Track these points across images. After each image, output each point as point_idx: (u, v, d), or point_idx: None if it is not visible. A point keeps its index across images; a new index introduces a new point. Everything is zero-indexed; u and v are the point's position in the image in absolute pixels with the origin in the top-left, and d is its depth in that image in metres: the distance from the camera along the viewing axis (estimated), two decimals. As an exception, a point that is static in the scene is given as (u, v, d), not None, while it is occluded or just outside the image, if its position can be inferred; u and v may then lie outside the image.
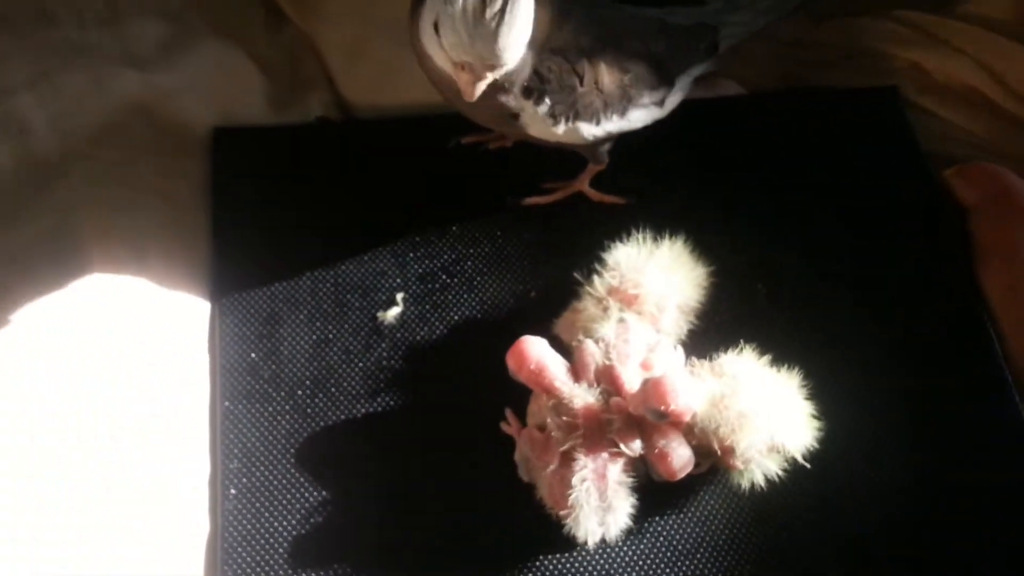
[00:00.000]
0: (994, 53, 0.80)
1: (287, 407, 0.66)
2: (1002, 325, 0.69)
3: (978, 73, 0.80)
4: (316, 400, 0.66)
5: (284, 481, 0.63)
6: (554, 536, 0.60)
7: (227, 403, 0.66)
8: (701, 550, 0.62)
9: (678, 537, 0.62)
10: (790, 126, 0.78)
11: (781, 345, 0.64)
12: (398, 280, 0.70)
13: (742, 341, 0.64)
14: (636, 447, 0.60)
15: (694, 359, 0.64)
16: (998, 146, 0.79)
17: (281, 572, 0.61)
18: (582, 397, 0.61)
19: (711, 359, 0.64)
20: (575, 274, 0.67)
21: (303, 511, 0.62)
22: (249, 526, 0.62)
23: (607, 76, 0.65)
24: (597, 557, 0.62)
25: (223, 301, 0.69)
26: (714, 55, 0.70)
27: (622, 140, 0.70)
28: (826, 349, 0.67)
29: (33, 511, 0.60)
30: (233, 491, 0.63)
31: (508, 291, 0.70)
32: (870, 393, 0.66)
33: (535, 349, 0.63)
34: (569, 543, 0.60)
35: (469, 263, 0.71)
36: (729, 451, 0.61)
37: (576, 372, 0.63)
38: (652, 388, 0.60)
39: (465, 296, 0.70)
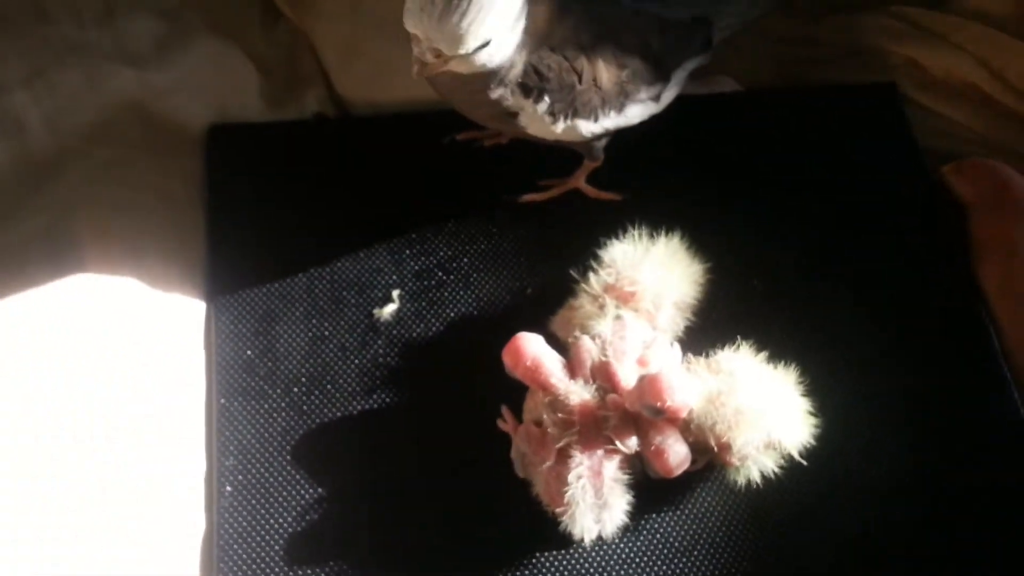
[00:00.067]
0: (992, 49, 0.80)
1: (283, 404, 0.65)
2: (1000, 320, 0.69)
3: (976, 69, 0.79)
4: (312, 397, 0.66)
5: (280, 478, 0.63)
6: (550, 533, 0.60)
7: (223, 400, 0.65)
8: (697, 547, 0.62)
9: (674, 534, 0.62)
10: (787, 122, 0.77)
11: (778, 341, 0.64)
12: (394, 277, 0.70)
13: (739, 338, 0.64)
14: (632, 444, 0.60)
15: (691, 356, 0.64)
16: (996, 142, 0.78)
17: (277, 569, 0.61)
18: (578, 394, 0.61)
19: (708, 356, 0.64)
20: (571, 272, 0.67)
21: (299, 508, 0.62)
22: (245, 523, 0.62)
23: (605, 73, 0.65)
24: (593, 554, 0.62)
25: (219, 298, 0.69)
26: (709, 49, 0.70)
27: (618, 137, 0.70)
28: (823, 345, 0.67)
29: (29, 508, 0.60)
30: (229, 488, 0.63)
31: (504, 288, 0.70)
32: (867, 389, 0.66)
33: (531, 345, 0.63)
34: (565, 540, 0.60)
35: (465, 260, 0.71)
36: (726, 448, 0.60)
37: (572, 369, 0.63)
38: (648, 384, 0.59)
39: (461, 293, 0.70)
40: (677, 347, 0.65)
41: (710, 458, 0.62)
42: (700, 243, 0.68)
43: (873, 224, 0.73)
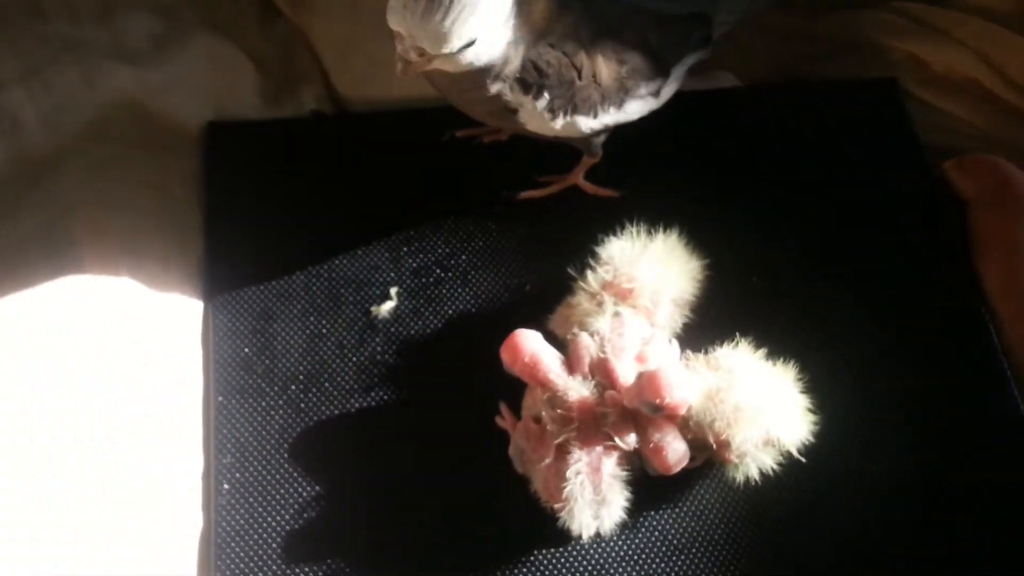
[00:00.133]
0: (993, 44, 0.79)
1: (280, 402, 0.65)
2: (1001, 317, 0.69)
3: (977, 64, 0.79)
4: (310, 395, 0.66)
5: (277, 476, 0.63)
6: (549, 529, 0.60)
7: (220, 398, 0.65)
8: (696, 544, 0.62)
9: (673, 531, 0.62)
10: (787, 118, 0.77)
11: (777, 338, 0.64)
12: (392, 274, 0.70)
13: (738, 335, 0.63)
14: (631, 441, 0.60)
15: (689, 353, 0.64)
16: (997, 138, 0.78)
17: (275, 567, 0.61)
18: (577, 390, 0.61)
19: (706, 353, 0.63)
20: (569, 269, 0.66)
21: (297, 506, 0.62)
22: (242, 521, 0.62)
23: (605, 69, 0.65)
24: (591, 551, 0.61)
25: (216, 296, 0.69)
26: (708, 44, 0.70)
27: (617, 133, 0.69)
28: (822, 342, 0.67)
29: (26, 507, 0.60)
30: (226, 486, 0.63)
31: (502, 285, 0.70)
32: (867, 386, 0.66)
33: (529, 342, 0.63)
34: (564, 536, 0.60)
35: (463, 257, 0.71)
36: (724, 445, 0.60)
37: (571, 365, 0.63)
38: (647, 381, 0.59)
39: (459, 290, 0.70)
40: (676, 344, 0.65)
41: (709, 455, 0.62)
42: (699, 239, 0.67)
43: (873, 220, 0.73)
